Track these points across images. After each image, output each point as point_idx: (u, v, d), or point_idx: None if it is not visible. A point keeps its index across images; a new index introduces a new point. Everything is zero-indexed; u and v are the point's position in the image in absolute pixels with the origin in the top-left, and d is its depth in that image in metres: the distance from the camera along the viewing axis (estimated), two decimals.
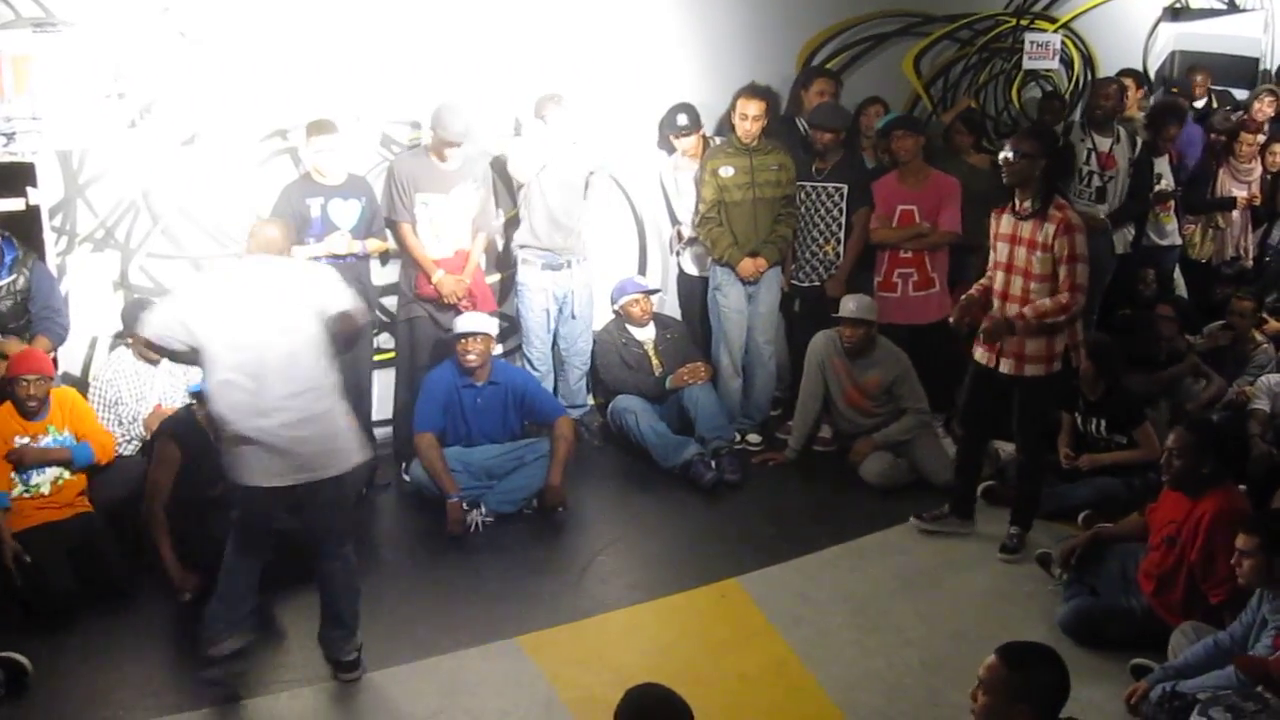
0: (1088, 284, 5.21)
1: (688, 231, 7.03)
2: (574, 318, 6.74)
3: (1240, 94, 9.40)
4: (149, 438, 5.56)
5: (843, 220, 6.75)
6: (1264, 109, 8.58)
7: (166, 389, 5.74)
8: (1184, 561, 4.61)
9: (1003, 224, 5.36)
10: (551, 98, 6.42)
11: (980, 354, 5.45)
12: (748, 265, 6.66)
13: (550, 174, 6.45)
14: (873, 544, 5.72)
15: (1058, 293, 5.17)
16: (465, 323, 6.07)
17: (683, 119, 6.88)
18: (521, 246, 6.61)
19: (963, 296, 5.59)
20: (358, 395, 6.27)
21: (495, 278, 6.93)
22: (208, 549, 5.05)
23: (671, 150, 7.10)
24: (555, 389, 6.85)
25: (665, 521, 6.03)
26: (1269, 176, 8.26)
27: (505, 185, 6.71)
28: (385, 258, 6.39)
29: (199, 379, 5.17)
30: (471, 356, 6.03)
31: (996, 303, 5.39)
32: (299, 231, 5.86)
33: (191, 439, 5.16)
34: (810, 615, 5.07)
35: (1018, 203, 5.26)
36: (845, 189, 6.71)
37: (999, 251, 5.38)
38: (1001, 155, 5.26)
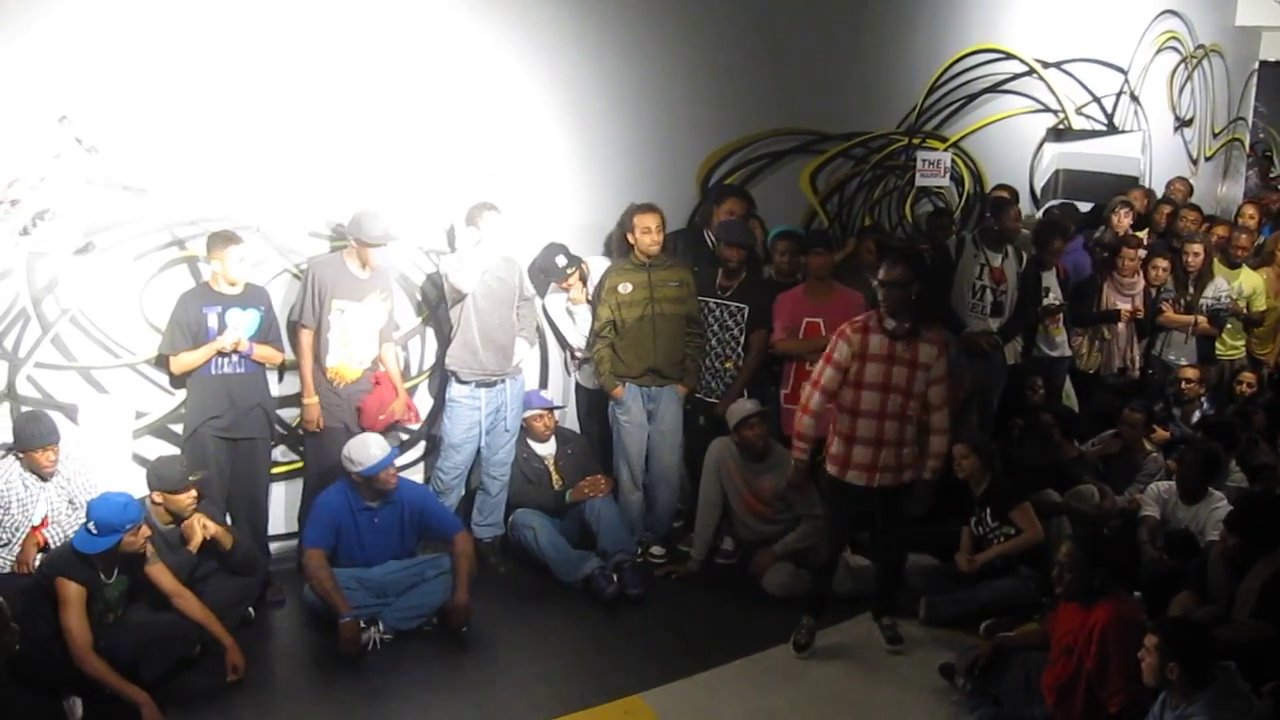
0: None
1: (581, 352, 7.00)
2: (506, 431, 6.57)
3: None
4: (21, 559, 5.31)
5: (742, 339, 6.84)
6: (1121, 221, 8.91)
7: (55, 504, 5.50)
8: (1081, 671, 4.65)
9: (872, 344, 5.30)
10: (484, 205, 6.30)
11: (858, 475, 5.49)
12: (619, 391, 6.67)
13: (483, 288, 6.33)
14: (776, 657, 5.68)
15: (933, 410, 5.39)
16: (375, 456, 5.85)
17: (562, 259, 6.73)
18: (454, 368, 6.45)
19: (792, 474, 5.74)
20: (252, 508, 6.13)
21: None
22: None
23: (547, 288, 6.97)
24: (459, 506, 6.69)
25: (568, 637, 5.94)
26: (1152, 290, 8.55)
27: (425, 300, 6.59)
28: (281, 371, 6.26)
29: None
30: (392, 484, 5.94)
31: (871, 424, 5.37)
32: (195, 340, 5.78)
33: (83, 574, 4.89)
34: None
35: (892, 323, 5.28)
36: (746, 309, 6.79)
37: (870, 372, 5.31)
38: (877, 283, 5.38)
